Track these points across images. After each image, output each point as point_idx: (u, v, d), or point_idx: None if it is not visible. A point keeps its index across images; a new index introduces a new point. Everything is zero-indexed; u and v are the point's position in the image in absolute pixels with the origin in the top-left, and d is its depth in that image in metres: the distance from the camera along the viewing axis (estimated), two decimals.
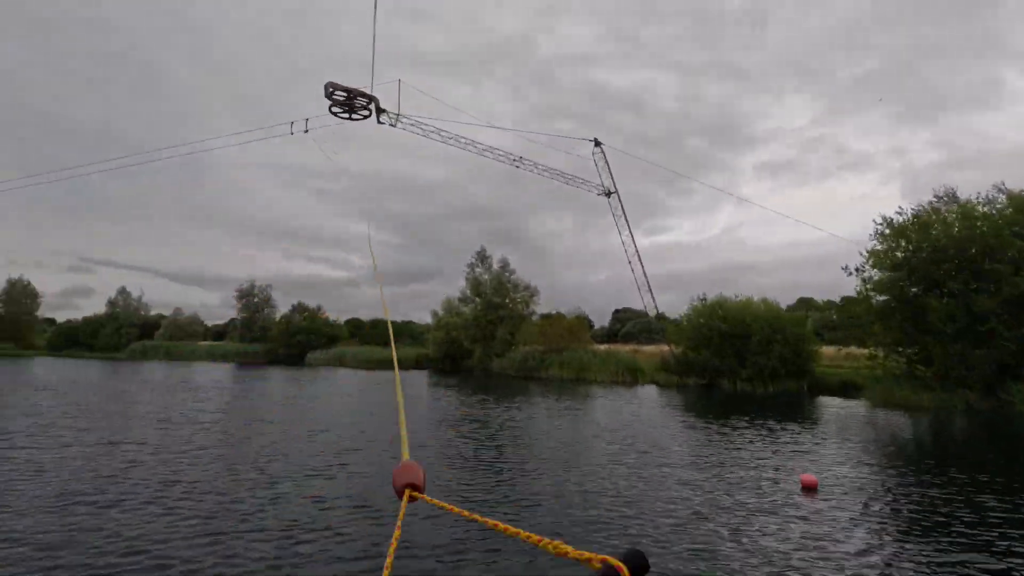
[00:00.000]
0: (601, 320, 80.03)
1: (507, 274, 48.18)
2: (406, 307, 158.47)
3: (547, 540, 0.89)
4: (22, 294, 71.57)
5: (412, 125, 21.81)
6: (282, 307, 64.78)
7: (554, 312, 43.65)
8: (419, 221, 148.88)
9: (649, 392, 28.20)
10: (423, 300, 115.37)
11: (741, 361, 29.94)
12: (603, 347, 43.11)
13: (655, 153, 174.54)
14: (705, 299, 34.00)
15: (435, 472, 10.03)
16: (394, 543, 0.99)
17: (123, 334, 65.45)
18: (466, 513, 1.05)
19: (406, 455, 1.22)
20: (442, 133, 22.56)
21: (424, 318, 64.14)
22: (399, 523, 1.04)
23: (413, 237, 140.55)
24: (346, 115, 19.99)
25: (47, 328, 76.42)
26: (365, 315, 74.29)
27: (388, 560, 0.96)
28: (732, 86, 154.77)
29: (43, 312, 77.44)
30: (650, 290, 33.61)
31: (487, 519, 1.01)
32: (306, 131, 20.03)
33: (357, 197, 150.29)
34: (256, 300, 64.98)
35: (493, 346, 44.83)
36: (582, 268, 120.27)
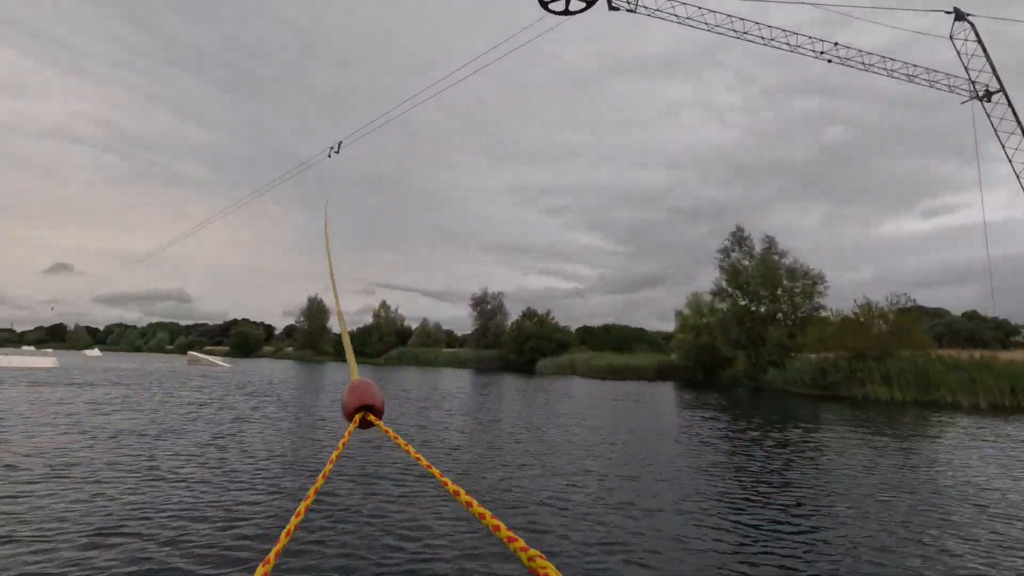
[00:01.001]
0: None
1: (775, 257, 36.60)
2: (635, 314, 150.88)
3: (492, 518, 0.66)
4: (317, 311, 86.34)
5: (658, 9, 14.47)
6: (515, 316, 64.21)
7: (860, 305, 30.24)
8: (644, 228, 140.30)
9: None
10: (651, 308, 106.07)
11: None
12: (951, 353, 28.25)
13: (929, 119, 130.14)
14: None
15: None
16: (330, 464, 0.83)
17: (384, 341, 73.28)
18: (422, 460, 0.83)
19: (355, 375, 1.06)
20: (706, 15, 14.65)
21: (654, 325, 55.96)
22: (341, 444, 0.86)
23: (639, 244, 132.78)
24: (562, 5, 13.73)
25: (336, 338, 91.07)
26: (594, 323, 69.25)
27: (319, 480, 0.80)
28: None
29: (336, 325, 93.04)
30: None
31: (446, 479, 0.76)
32: (337, 152, 20.63)
33: (583, 210, 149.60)
34: (489, 307, 65.86)
35: (763, 352, 34.00)
36: (836, 265, 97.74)
